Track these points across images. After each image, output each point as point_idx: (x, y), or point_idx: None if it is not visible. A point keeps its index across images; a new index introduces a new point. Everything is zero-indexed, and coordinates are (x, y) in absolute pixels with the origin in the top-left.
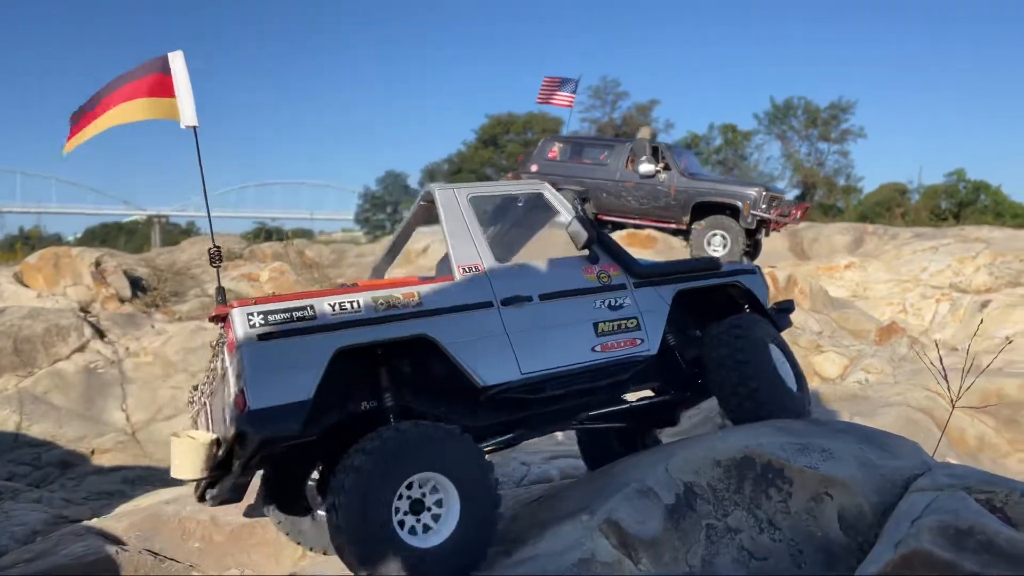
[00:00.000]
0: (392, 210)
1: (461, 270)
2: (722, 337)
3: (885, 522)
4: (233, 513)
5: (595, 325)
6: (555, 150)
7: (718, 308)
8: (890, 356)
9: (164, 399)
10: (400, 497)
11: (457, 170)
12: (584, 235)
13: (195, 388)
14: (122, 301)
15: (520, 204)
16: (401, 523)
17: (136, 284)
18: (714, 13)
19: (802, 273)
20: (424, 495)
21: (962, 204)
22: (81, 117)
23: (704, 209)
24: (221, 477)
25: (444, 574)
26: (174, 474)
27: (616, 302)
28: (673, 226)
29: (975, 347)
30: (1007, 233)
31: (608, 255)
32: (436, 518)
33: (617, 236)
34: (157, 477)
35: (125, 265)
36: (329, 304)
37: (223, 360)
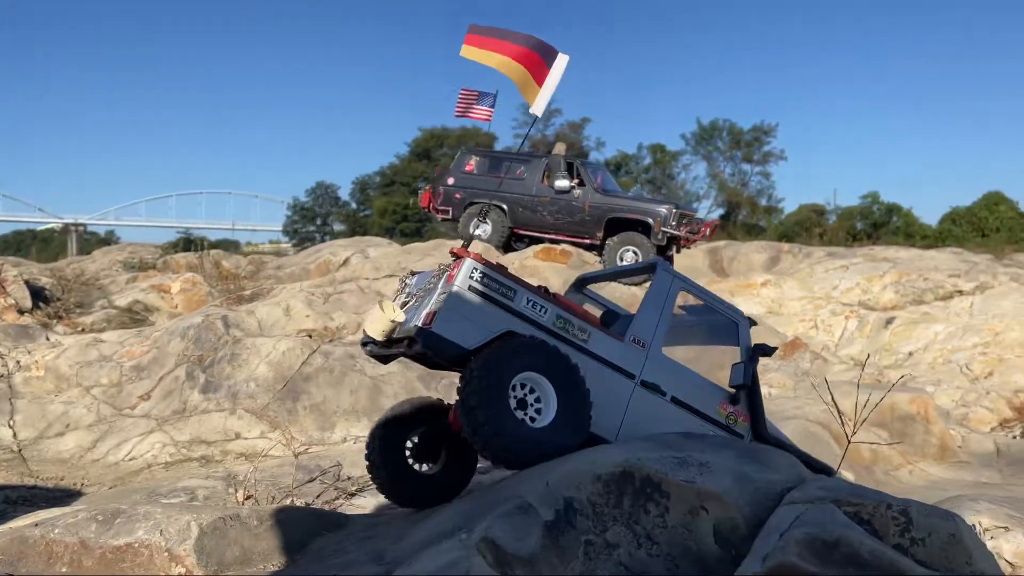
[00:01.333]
0: (322, 222)
1: (632, 339)
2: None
3: (758, 535)
4: (106, 536)
5: None
6: (472, 163)
7: None
8: (793, 371)
9: (55, 415)
10: (514, 388)
11: (390, 182)
12: (740, 381)
13: (411, 274)
14: (21, 312)
15: (717, 317)
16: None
17: (39, 295)
18: (644, 34)
19: (719, 290)
20: (527, 395)
21: (876, 225)
22: (482, 35)
23: (617, 225)
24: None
25: (555, 445)
26: (364, 327)
27: None
28: (587, 241)
29: (881, 362)
30: (913, 253)
31: (748, 407)
32: (539, 411)
33: (532, 250)
34: (42, 497)
35: (28, 274)
36: (528, 298)
37: (442, 280)
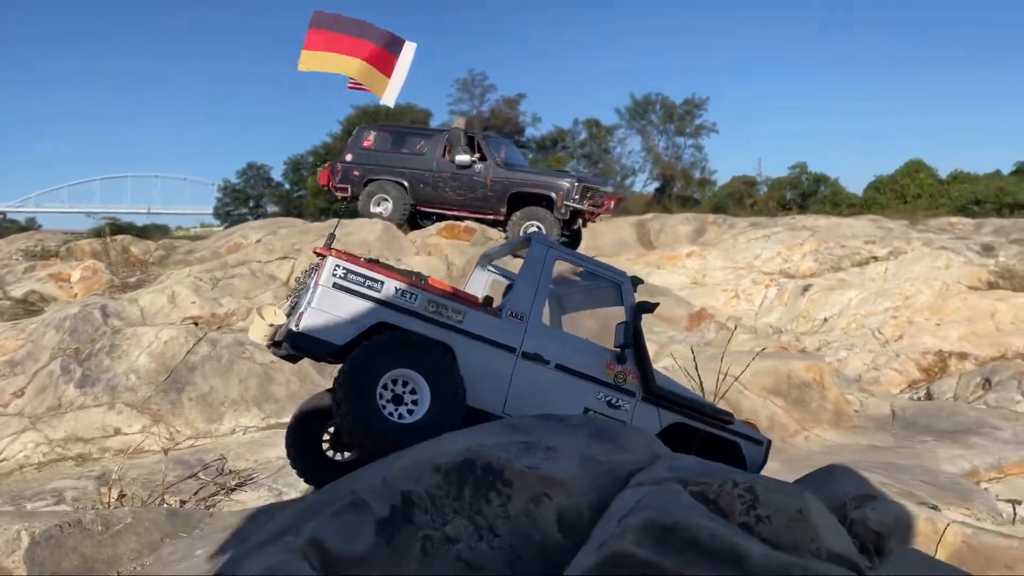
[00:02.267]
0: (255, 204)
1: (509, 313)
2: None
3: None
4: None
5: (585, 410)
6: (371, 139)
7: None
8: (698, 341)
9: None
10: (385, 386)
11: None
12: (623, 340)
13: (300, 277)
14: None
15: (601, 282)
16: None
17: None
18: (578, 8)
19: (646, 263)
20: (403, 391)
21: (805, 195)
22: (324, 28)
23: (520, 200)
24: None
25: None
26: (249, 334)
27: (616, 402)
28: (491, 217)
29: (797, 329)
30: (831, 221)
31: (636, 363)
32: (416, 403)
33: (435, 228)
34: None
35: None
36: (396, 287)
37: (312, 280)
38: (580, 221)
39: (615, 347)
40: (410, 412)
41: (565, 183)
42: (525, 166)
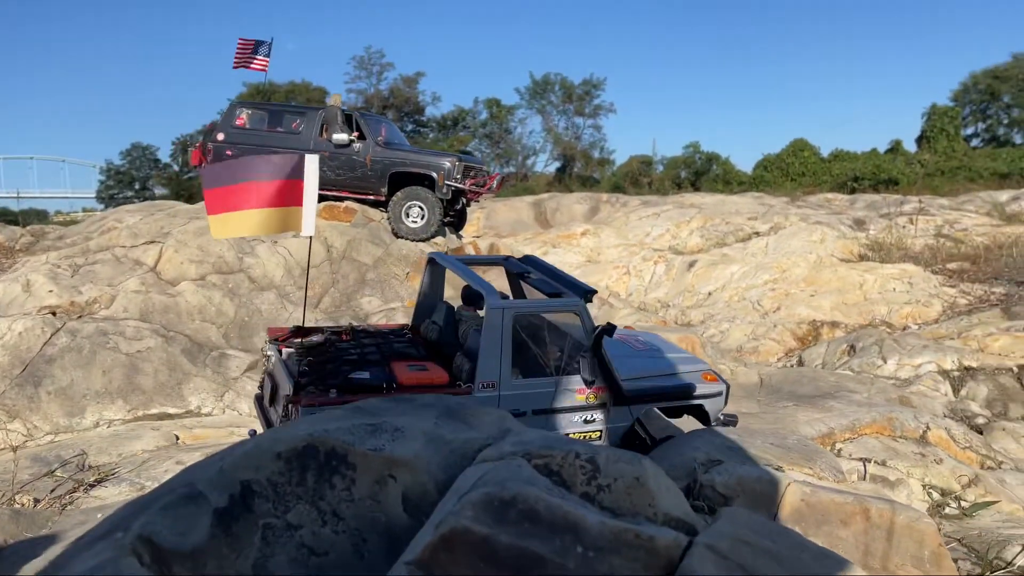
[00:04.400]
0: (140, 186)
1: (481, 385)
2: None
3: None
4: None
5: (566, 434)
6: (243, 117)
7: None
8: None
9: None
10: None
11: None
12: (589, 376)
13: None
14: None
15: (556, 315)
16: None
17: None
18: None
19: (542, 241)
20: None
21: (698, 173)
22: (219, 184)
23: (401, 180)
24: None
25: None
26: None
27: (591, 417)
28: (372, 197)
29: (684, 303)
30: (717, 199)
31: (604, 380)
32: None
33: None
34: None
35: None
36: None
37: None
38: (463, 201)
39: (583, 379)
40: None
41: (446, 163)
42: (406, 145)
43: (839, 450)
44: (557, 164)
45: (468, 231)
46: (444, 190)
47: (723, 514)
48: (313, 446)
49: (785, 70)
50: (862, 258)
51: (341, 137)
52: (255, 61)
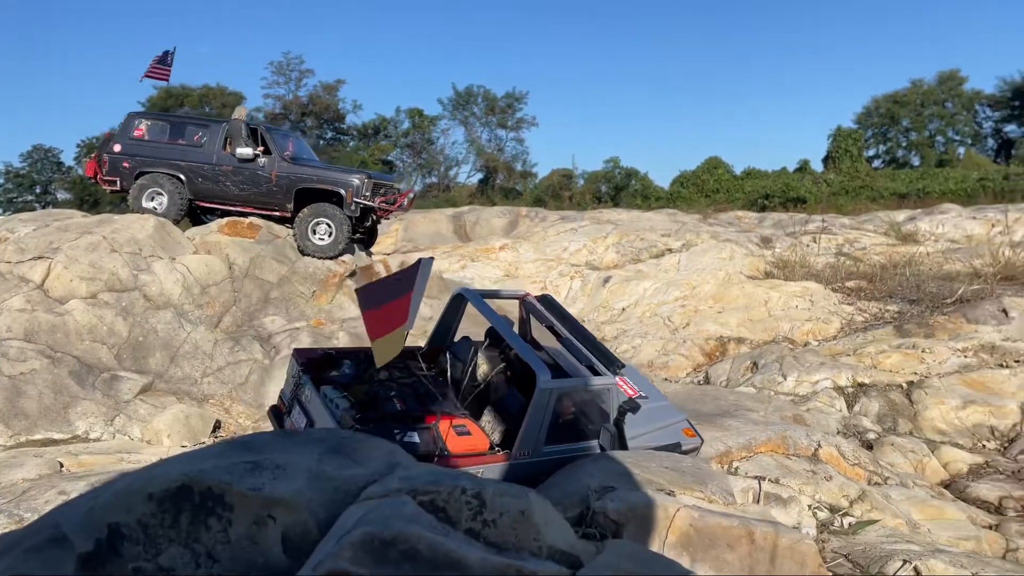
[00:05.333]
0: (42, 190)
1: (519, 454)
2: None
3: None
4: None
5: None
6: (142, 128)
7: None
8: (482, 332)
9: None
10: None
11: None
12: (609, 446)
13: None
14: None
15: (591, 393)
16: None
17: None
18: None
19: (461, 255)
20: None
21: (618, 188)
22: (372, 316)
23: (308, 196)
24: None
25: None
26: None
27: None
28: (277, 213)
29: (598, 318)
30: (633, 215)
31: (618, 447)
32: None
33: (217, 224)
34: None
35: None
36: None
37: None
38: (372, 218)
39: (599, 446)
40: None
41: (355, 179)
42: (315, 161)
43: (735, 468)
44: (480, 175)
45: (387, 242)
46: (352, 207)
47: (607, 546)
48: (188, 486)
49: (702, 89)
50: (768, 275)
51: (245, 152)
52: (157, 70)
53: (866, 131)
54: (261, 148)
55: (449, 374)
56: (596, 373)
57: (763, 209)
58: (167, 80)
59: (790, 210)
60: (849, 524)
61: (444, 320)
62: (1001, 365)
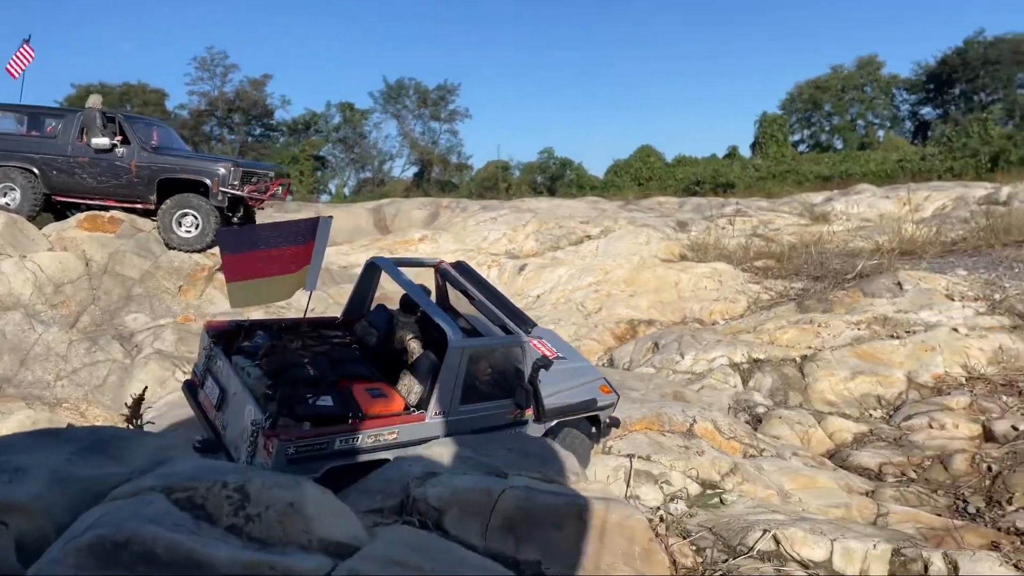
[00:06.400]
0: None
1: (434, 412)
2: None
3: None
4: None
5: None
6: None
7: None
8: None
9: None
10: None
11: None
12: (524, 405)
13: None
14: None
15: (503, 351)
16: None
17: None
18: None
19: (380, 248)
20: None
21: (554, 179)
22: (240, 256)
23: (172, 187)
24: None
25: None
26: None
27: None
28: (140, 206)
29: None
30: (552, 203)
31: (533, 404)
32: None
33: (75, 221)
34: None
35: None
36: (340, 439)
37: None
38: (241, 208)
39: (515, 403)
40: None
41: (221, 168)
42: (180, 150)
43: (609, 447)
44: (415, 169)
45: None
46: (220, 197)
47: (381, 533)
48: None
49: (633, 78)
50: (683, 258)
51: (101, 141)
52: (13, 63)
53: (791, 116)
54: (120, 138)
55: (365, 342)
56: (509, 333)
57: (694, 195)
58: (14, 76)
59: (720, 195)
60: (720, 499)
61: (359, 291)
62: (892, 336)
